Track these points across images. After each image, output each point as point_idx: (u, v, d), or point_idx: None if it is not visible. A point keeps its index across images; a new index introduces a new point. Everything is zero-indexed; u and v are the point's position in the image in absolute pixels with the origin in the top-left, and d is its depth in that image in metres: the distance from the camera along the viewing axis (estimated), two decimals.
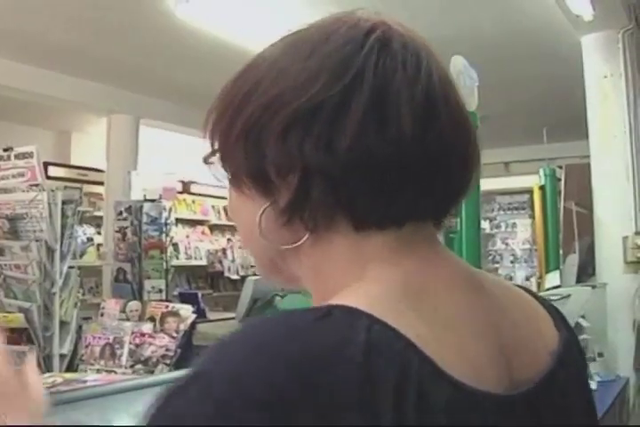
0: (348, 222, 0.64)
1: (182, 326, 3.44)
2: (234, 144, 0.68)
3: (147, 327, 3.46)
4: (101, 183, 7.36)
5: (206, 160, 0.73)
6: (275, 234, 0.67)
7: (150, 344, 3.39)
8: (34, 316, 3.46)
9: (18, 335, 3.36)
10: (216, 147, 0.72)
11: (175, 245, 7.32)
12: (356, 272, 0.64)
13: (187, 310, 3.48)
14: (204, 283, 9.08)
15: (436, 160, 0.64)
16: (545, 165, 5.59)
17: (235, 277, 9.00)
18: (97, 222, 7.25)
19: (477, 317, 0.63)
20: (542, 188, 5.36)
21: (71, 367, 3.45)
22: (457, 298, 0.63)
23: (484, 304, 0.65)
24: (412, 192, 0.64)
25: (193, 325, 3.49)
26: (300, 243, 0.66)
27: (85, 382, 1.43)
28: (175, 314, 3.49)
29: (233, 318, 7.56)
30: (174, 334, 3.42)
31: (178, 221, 7.77)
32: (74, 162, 8.19)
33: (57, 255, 3.55)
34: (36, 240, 3.49)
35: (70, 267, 3.65)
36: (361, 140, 0.61)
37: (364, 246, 0.65)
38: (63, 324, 3.62)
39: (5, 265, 3.53)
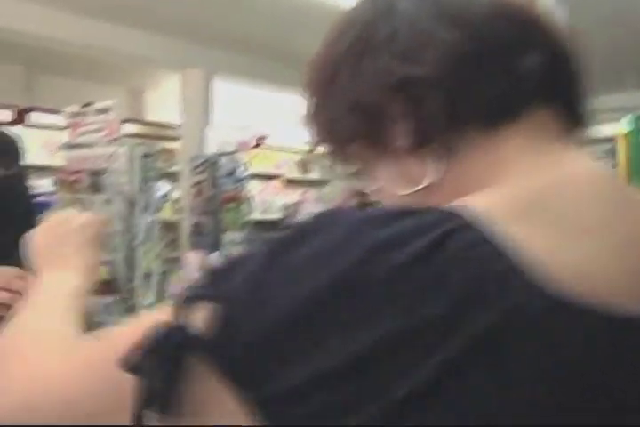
0: (476, 125, 0.64)
1: None
2: (341, 118, 0.68)
3: None
4: (176, 139, 7.41)
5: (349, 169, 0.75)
6: (416, 177, 0.67)
7: None
8: (118, 268, 3.54)
9: (103, 287, 3.45)
10: (333, 143, 0.73)
11: (250, 200, 7.37)
12: (487, 182, 0.62)
13: None
14: None
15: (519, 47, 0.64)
16: (629, 113, 5.40)
17: None
18: (172, 178, 7.33)
19: (622, 230, 0.58)
20: (627, 136, 5.18)
21: None
22: (597, 208, 0.58)
23: (633, 218, 0.59)
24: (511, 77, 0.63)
25: None
26: (442, 174, 0.65)
27: None
28: None
29: None
30: None
31: (252, 175, 7.80)
32: (148, 119, 8.27)
33: (138, 208, 3.61)
34: (117, 194, 3.55)
35: (151, 221, 3.72)
36: (438, 48, 0.63)
37: (495, 154, 0.64)
38: (146, 275, 3.69)
39: None
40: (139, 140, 4.72)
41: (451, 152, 0.64)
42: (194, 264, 3.96)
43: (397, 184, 0.68)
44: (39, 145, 6.53)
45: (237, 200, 4.73)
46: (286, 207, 8.92)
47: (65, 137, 4.09)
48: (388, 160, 0.68)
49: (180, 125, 7.22)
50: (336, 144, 0.72)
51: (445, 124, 0.63)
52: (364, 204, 10.17)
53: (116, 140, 3.64)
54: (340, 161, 0.74)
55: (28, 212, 1.96)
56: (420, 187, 0.66)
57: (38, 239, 1.04)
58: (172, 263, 4.54)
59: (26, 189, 2.04)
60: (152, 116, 8.43)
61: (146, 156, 3.70)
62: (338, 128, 0.70)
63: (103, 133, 3.69)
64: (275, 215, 8.81)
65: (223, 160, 4.77)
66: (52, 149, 6.58)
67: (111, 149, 3.60)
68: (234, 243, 4.67)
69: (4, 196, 1.82)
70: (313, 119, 0.73)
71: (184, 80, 7.01)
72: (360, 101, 0.66)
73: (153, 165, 3.76)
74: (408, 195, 0.67)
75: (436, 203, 0.57)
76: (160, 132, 7.65)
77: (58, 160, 5.85)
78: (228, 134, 5.03)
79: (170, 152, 7.52)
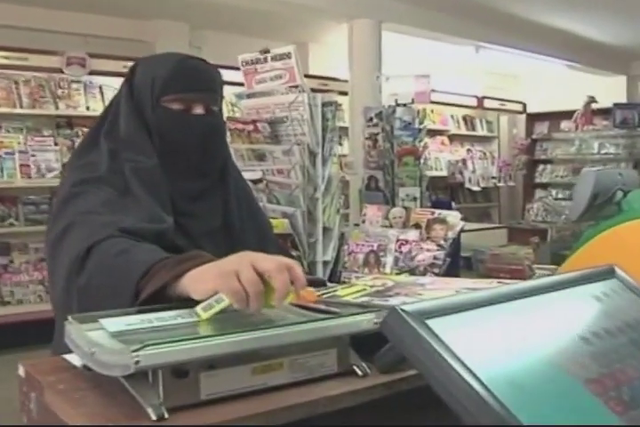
0: None
1: (450, 234, 3.24)
2: None
3: (412, 235, 3.29)
4: (342, 93, 7.22)
5: None
6: None
7: (417, 252, 3.22)
8: (298, 221, 3.39)
9: (282, 241, 3.30)
10: None
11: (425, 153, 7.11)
12: None
13: (454, 217, 3.26)
14: (444, 194, 8.86)
15: None
16: None
17: (475, 188, 8.73)
18: (339, 133, 7.16)
19: None
20: None
21: (333, 275, 3.38)
22: None
23: None
24: None
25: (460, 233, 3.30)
26: None
27: (423, 284, 1.23)
28: (442, 221, 3.28)
29: (490, 229, 7.31)
30: (442, 242, 3.23)
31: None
32: (312, 73, 8.15)
33: (319, 159, 3.45)
34: (298, 144, 3.39)
35: (331, 173, 3.56)
36: None
37: None
38: (326, 230, 3.54)
39: (267, 170, 3.47)
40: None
41: None
42: (373, 219, 3.76)
43: None
44: None
45: (415, 153, 4.49)
46: (452, 164, 8.62)
47: (230, 91, 3.98)
48: None
49: (347, 80, 7.05)
50: None
51: None
52: (532, 160, 9.74)
53: (296, 86, 3.46)
54: None
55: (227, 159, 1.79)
56: None
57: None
58: (343, 220, 4.38)
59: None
60: (314, 70, 8.31)
61: (326, 104, 3.50)
62: None
63: (283, 80, 3.52)
64: (440, 172, 8.55)
65: (400, 111, 4.52)
66: None
67: (291, 96, 3.42)
68: (410, 198, 4.44)
69: (214, 135, 1.65)
70: None
71: (352, 30, 6.80)
72: None
73: (333, 114, 3.57)
74: None
75: None
76: (326, 85, 7.49)
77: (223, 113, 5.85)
78: (404, 84, 4.76)
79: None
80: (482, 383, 0.62)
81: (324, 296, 1.14)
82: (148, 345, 0.78)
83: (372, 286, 1.21)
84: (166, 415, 0.79)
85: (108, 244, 1.28)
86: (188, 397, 0.82)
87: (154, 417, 0.79)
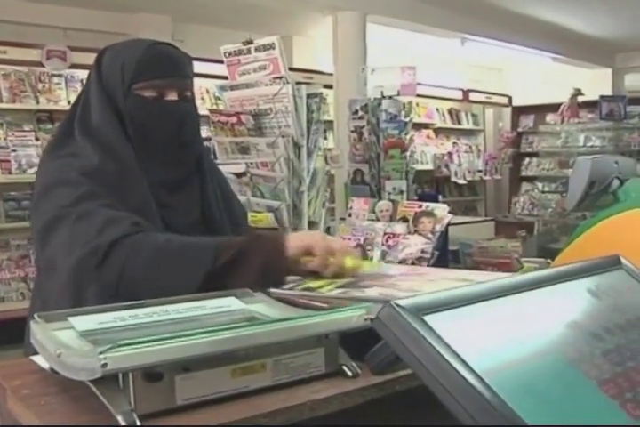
0: None
1: (438, 227, 3.19)
2: None
3: (400, 228, 3.24)
4: (327, 86, 7.16)
5: None
6: None
7: (404, 246, 3.17)
8: (283, 215, 3.33)
9: None
10: None
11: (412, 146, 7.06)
12: None
13: (442, 210, 3.21)
14: (430, 188, 8.81)
15: None
16: None
17: (461, 181, 8.69)
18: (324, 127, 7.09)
19: None
20: None
21: None
22: None
23: None
24: None
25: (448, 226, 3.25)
26: None
27: (391, 276, 1.16)
28: (430, 214, 3.23)
29: (477, 222, 7.27)
30: (429, 235, 3.18)
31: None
32: (296, 66, 8.08)
33: (304, 152, 3.39)
34: (282, 136, 3.33)
35: (316, 166, 3.51)
36: None
37: None
38: (311, 224, 3.49)
39: (251, 163, 3.40)
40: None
41: None
42: (359, 213, 3.70)
43: None
44: None
45: (402, 146, 4.42)
46: (437, 157, 8.57)
47: (213, 84, 3.92)
48: None
49: (332, 73, 6.99)
50: None
51: None
52: (518, 153, 9.70)
53: (280, 77, 3.38)
54: None
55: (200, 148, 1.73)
56: None
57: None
58: (328, 214, 4.32)
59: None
60: (298, 63, 8.25)
61: (311, 96, 3.44)
62: None
63: (267, 71, 3.45)
64: (426, 166, 8.49)
65: (386, 103, 4.46)
66: (201, 96, 6.57)
67: (276, 87, 3.35)
68: (397, 191, 4.39)
69: (190, 122, 1.59)
70: None
71: (337, 22, 6.72)
72: None
73: (318, 106, 3.51)
74: None
75: None
76: (311, 79, 7.43)
77: (206, 107, 5.81)
78: (390, 76, 4.70)
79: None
80: (489, 388, 0.56)
81: (297, 288, 1.07)
82: (117, 346, 0.71)
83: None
84: (138, 423, 0.73)
85: (140, 237, 1.30)
86: (162, 402, 0.75)
87: (124, 424, 0.72)
